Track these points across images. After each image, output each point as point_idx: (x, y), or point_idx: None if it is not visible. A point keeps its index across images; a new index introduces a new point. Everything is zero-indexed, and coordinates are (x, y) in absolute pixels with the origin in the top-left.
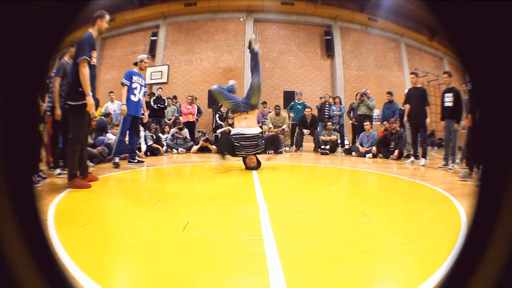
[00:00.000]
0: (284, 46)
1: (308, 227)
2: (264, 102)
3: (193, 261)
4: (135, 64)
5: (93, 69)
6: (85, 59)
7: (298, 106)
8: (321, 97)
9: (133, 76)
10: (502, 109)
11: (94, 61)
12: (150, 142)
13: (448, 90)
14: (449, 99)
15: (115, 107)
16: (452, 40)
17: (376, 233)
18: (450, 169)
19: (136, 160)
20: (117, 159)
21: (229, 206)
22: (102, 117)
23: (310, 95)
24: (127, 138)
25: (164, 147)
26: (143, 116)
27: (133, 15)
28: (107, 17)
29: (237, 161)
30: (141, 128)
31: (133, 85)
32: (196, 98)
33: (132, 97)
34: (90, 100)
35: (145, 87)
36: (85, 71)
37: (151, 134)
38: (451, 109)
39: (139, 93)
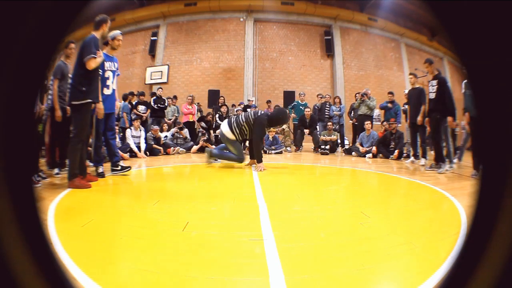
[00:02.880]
0: (284, 46)
1: (308, 227)
2: (269, 101)
3: (193, 261)
4: (106, 43)
5: (97, 70)
6: (92, 57)
7: (301, 107)
8: (319, 96)
9: (105, 63)
10: (502, 109)
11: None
12: (151, 142)
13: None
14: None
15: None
16: (452, 40)
17: (376, 233)
18: (447, 170)
19: (119, 168)
20: (100, 169)
21: (229, 206)
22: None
23: (310, 95)
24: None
25: (178, 148)
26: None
27: (133, 15)
28: (110, 22)
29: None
30: (142, 128)
31: (106, 75)
32: (194, 97)
33: (105, 90)
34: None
35: (117, 70)
36: (93, 62)
37: (152, 135)
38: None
39: (112, 82)
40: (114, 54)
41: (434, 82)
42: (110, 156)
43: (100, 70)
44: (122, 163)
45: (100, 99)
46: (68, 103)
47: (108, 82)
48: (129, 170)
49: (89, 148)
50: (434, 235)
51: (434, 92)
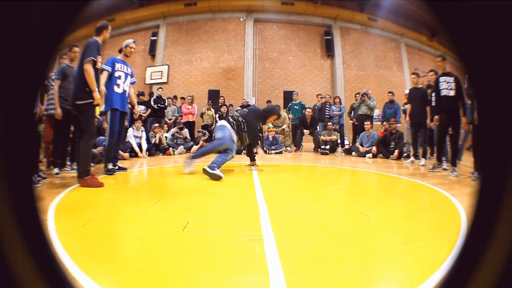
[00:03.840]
0: (284, 46)
1: (308, 227)
2: (269, 101)
3: (193, 261)
4: (120, 51)
5: (98, 73)
6: (92, 60)
7: (295, 106)
8: (319, 96)
9: (116, 64)
10: (502, 109)
11: (99, 65)
12: (153, 141)
13: None
14: None
15: None
16: (452, 40)
17: (376, 233)
18: (445, 169)
19: (117, 167)
20: (110, 165)
21: (229, 206)
22: (98, 117)
23: (310, 95)
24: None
25: (181, 147)
26: (133, 110)
27: (133, 15)
28: (110, 28)
29: (237, 161)
30: (143, 128)
31: (116, 74)
32: (194, 97)
33: (116, 88)
34: (96, 95)
35: (132, 76)
36: (89, 70)
37: (154, 134)
38: None
39: (124, 83)
40: (127, 60)
41: (451, 79)
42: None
43: (109, 67)
44: (120, 163)
45: (102, 87)
46: (72, 103)
47: (119, 81)
48: (125, 171)
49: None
50: (434, 235)
51: (452, 89)
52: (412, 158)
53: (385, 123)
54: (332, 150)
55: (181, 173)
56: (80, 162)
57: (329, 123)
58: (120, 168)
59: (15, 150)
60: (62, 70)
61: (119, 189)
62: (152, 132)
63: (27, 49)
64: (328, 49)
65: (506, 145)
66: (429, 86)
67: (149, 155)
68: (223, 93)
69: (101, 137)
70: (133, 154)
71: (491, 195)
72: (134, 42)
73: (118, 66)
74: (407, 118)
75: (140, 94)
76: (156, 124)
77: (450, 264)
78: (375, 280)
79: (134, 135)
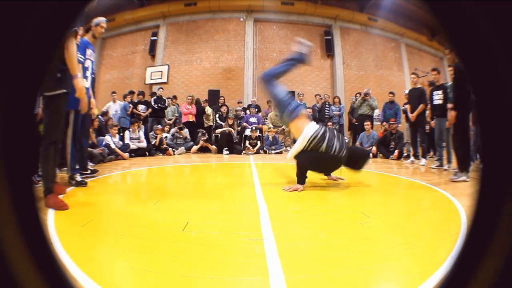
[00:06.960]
0: (284, 46)
1: (308, 227)
2: (269, 101)
3: (193, 261)
4: (88, 30)
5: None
6: (73, 32)
7: None
8: (318, 96)
9: (87, 50)
10: (502, 109)
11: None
12: (153, 142)
13: (437, 88)
14: (438, 97)
15: (117, 107)
16: (452, 40)
17: (376, 233)
18: (445, 169)
19: (89, 171)
20: (78, 177)
21: (229, 206)
22: (99, 116)
23: (310, 95)
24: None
25: (182, 148)
26: (90, 111)
27: (133, 15)
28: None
29: (237, 161)
30: (141, 127)
31: (86, 64)
32: (194, 97)
33: (84, 82)
34: (78, 83)
35: (92, 62)
36: (71, 47)
37: (154, 135)
38: (442, 106)
39: (92, 74)
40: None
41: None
42: (81, 160)
43: (82, 57)
44: (90, 166)
45: (87, 85)
46: (40, 95)
47: (87, 73)
48: (97, 173)
49: (89, 149)
50: (434, 235)
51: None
52: (412, 158)
53: (385, 123)
54: None
55: (181, 173)
56: (42, 176)
57: (329, 123)
58: (92, 172)
59: (15, 150)
60: None
61: (118, 189)
62: (153, 133)
63: (27, 49)
64: (328, 49)
65: (507, 145)
66: (431, 83)
67: (149, 155)
68: (223, 93)
69: (101, 137)
70: (133, 155)
71: (491, 195)
72: (106, 21)
73: (88, 53)
74: (410, 115)
75: (140, 93)
76: (159, 126)
77: (450, 264)
78: (375, 280)
79: (131, 137)
